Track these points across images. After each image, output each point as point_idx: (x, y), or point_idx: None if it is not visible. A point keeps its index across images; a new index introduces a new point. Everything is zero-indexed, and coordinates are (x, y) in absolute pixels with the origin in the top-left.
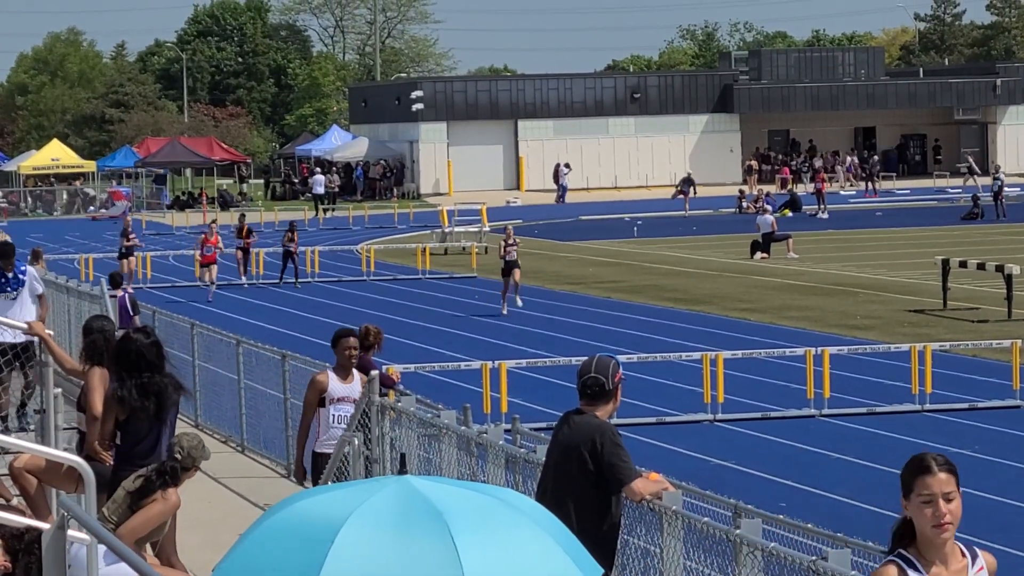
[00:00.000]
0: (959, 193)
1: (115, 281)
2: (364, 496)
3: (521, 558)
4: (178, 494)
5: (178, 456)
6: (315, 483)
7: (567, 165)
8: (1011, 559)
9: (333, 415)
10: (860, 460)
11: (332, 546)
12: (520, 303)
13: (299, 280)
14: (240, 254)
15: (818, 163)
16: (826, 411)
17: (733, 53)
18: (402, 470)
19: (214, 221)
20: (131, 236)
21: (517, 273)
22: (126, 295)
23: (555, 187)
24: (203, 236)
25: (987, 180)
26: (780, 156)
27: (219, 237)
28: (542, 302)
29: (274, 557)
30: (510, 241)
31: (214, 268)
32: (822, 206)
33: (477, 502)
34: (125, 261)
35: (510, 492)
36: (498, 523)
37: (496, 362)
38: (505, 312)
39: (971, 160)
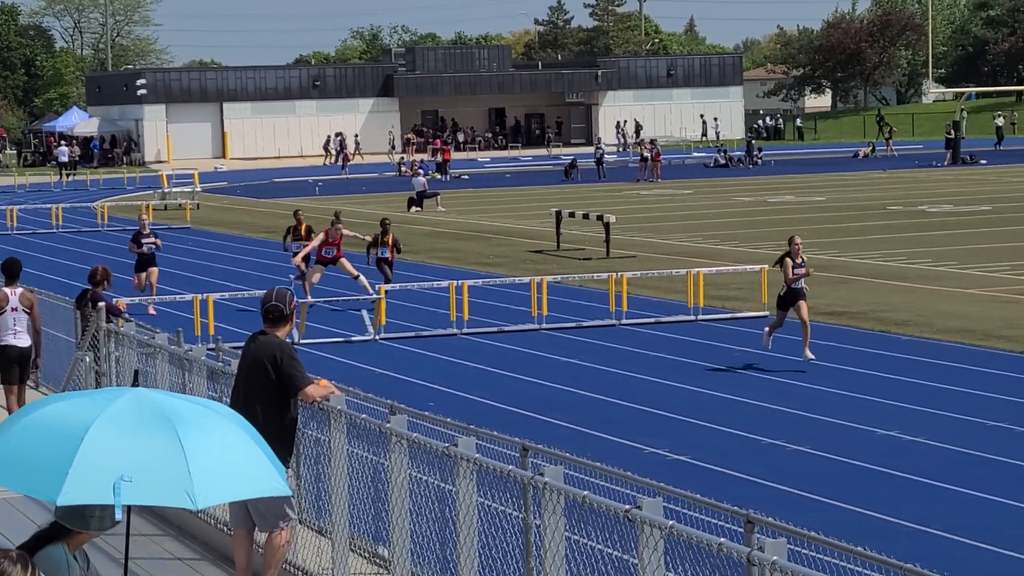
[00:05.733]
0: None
1: None
2: (106, 403)
3: (231, 454)
4: None
5: None
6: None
7: (339, 134)
8: (613, 446)
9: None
10: (491, 368)
11: (82, 442)
12: (811, 356)
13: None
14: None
15: (461, 136)
16: (465, 330)
17: (393, 50)
18: (135, 383)
19: (337, 217)
20: (145, 237)
21: (804, 308)
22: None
23: (326, 152)
24: (323, 233)
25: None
26: (431, 131)
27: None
28: (242, 247)
29: (32, 448)
30: (798, 260)
31: (353, 268)
32: (446, 173)
33: (196, 410)
34: (143, 274)
35: (220, 405)
36: (213, 426)
37: (205, 295)
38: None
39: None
